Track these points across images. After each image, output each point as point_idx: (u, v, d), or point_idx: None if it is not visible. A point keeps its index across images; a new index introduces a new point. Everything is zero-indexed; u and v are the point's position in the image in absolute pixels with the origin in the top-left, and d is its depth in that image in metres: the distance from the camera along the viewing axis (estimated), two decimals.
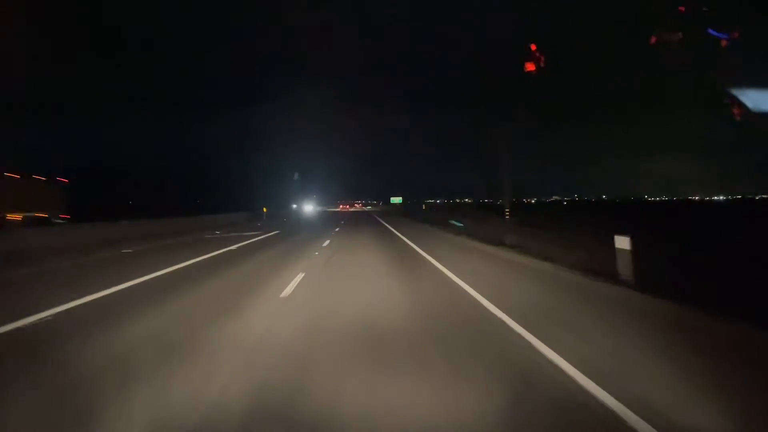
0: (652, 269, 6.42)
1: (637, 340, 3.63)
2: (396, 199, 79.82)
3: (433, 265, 8.23)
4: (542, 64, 8.33)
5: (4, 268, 7.93)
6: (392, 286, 6.18)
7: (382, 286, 6.18)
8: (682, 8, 5.38)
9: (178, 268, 7.85)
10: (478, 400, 2.55)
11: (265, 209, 31.49)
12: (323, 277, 6.95)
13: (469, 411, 2.43)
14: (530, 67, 8.34)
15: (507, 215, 19.63)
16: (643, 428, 2.23)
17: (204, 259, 9.12)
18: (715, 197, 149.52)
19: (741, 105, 4.94)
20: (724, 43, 4.95)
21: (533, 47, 8.39)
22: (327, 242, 12.93)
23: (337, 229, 19.35)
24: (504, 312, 4.61)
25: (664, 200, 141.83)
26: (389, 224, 23.60)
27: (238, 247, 11.54)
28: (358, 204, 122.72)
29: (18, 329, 4.17)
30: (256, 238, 14.49)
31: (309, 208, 59.72)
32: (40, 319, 4.51)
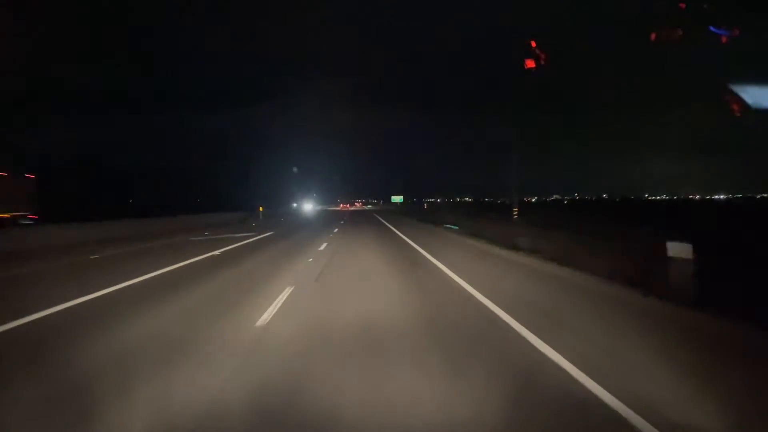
0: (713, 283, 5.16)
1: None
2: (397, 198, 78.38)
3: (448, 276, 6.94)
4: (542, 62, 8.23)
5: None
6: (401, 307, 4.88)
7: (388, 307, 4.88)
8: (682, 5, 5.25)
9: (141, 281, 6.55)
10: None
11: (261, 208, 30.18)
12: (315, 294, 5.65)
13: None
14: (530, 64, 8.27)
15: (515, 215, 18.42)
16: None
17: (177, 268, 7.80)
18: (716, 196, 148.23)
19: (741, 101, 4.81)
20: (724, 39, 4.85)
21: (533, 44, 8.27)
22: (324, 245, 11.63)
23: (335, 230, 18.02)
24: (565, 358, 3.24)
25: (665, 199, 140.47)
26: (391, 224, 22.27)
27: (222, 252, 10.23)
28: (359, 203, 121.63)
29: None
30: (247, 241, 13.18)
31: (308, 207, 58.61)
32: None
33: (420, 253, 9.89)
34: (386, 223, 23.85)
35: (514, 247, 10.91)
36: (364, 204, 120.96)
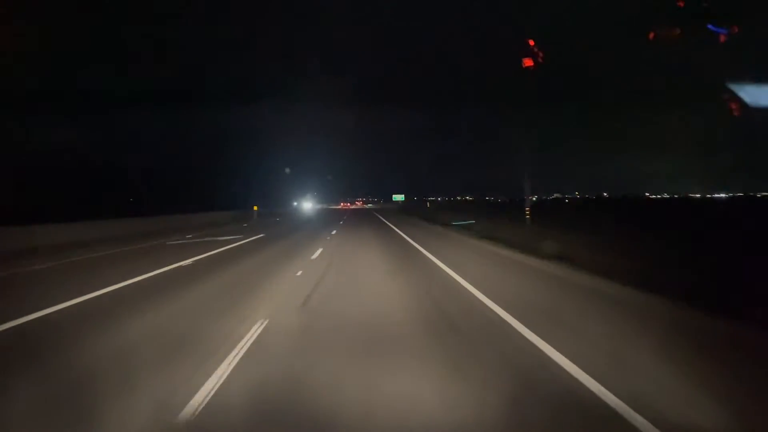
0: None
1: None
2: (398, 197, 76.58)
3: (476, 299, 5.14)
4: (540, 60, 8.21)
5: None
6: (419, 346, 3.10)
7: (399, 343, 3.11)
8: (681, 3, 5.15)
9: (52, 313, 4.78)
10: None
11: (255, 208, 28.39)
12: (296, 335, 3.85)
13: None
14: (528, 62, 8.24)
15: (527, 215, 16.64)
16: None
17: (122, 288, 5.99)
18: (716, 195, 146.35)
19: (739, 100, 4.74)
20: (722, 38, 4.81)
21: (531, 43, 8.24)
22: (318, 252, 9.84)
23: (334, 232, 16.18)
24: None
25: (666, 198, 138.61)
26: (395, 225, 20.44)
27: (194, 262, 8.41)
28: (359, 202, 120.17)
29: None
30: (229, 246, 11.37)
31: (308, 206, 56.90)
32: None
33: (434, 263, 8.10)
34: (389, 224, 22.03)
35: (539, 253, 9.18)
36: (364, 203, 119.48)
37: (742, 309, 4.09)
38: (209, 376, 2.87)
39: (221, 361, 3.14)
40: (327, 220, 29.08)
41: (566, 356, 3.13)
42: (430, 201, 44.87)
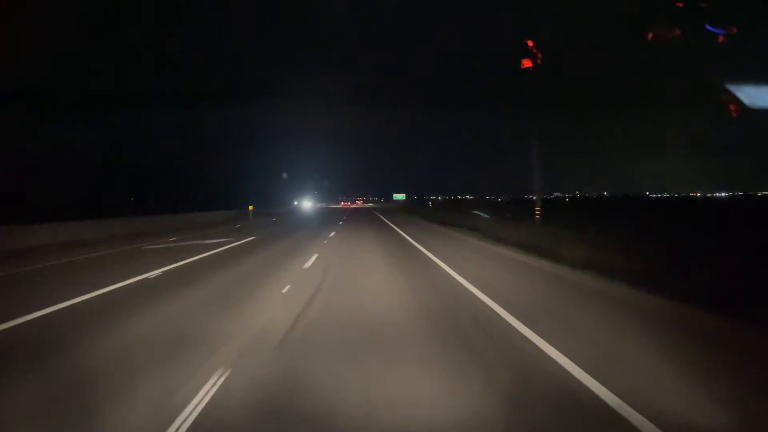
0: None
1: None
2: (399, 196, 75.28)
3: (507, 325, 3.89)
4: (539, 61, 7.99)
5: None
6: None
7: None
8: (680, 3, 5.14)
9: None
10: None
11: (251, 207, 27.14)
12: (271, 400, 2.60)
13: None
14: (527, 63, 8.03)
15: (537, 215, 15.41)
16: None
17: (64, 310, 4.78)
18: (717, 194, 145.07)
19: (738, 101, 4.74)
20: (721, 38, 4.82)
21: (530, 44, 8.03)
22: (312, 258, 8.61)
23: (332, 234, 14.89)
24: None
25: (666, 197, 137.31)
26: (397, 226, 19.17)
27: (163, 273, 7.13)
28: (360, 201, 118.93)
29: None
30: (214, 251, 10.11)
31: (308, 205, 55.68)
32: None
33: (451, 275, 6.86)
34: (392, 225, 20.77)
35: (560, 259, 7.95)
36: (364, 202, 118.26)
37: None
38: None
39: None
40: (326, 220, 27.80)
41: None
42: (432, 200, 43.46)
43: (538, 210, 15.10)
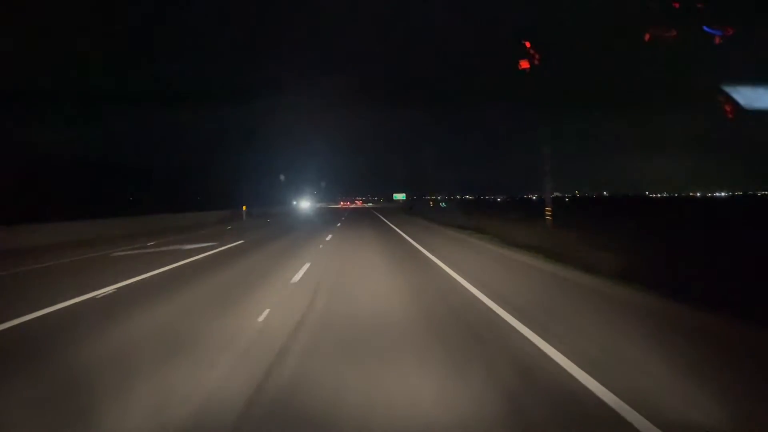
0: None
1: None
2: (399, 196, 73.78)
3: (574, 380, 2.48)
4: (536, 62, 8.05)
5: None
6: None
7: None
8: (677, 4, 5.16)
9: None
10: None
11: (245, 208, 25.74)
12: None
13: None
14: (524, 64, 8.08)
15: (548, 216, 14.07)
16: None
17: None
18: (716, 194, 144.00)
19: (733, 102, 4.71)
20: (717, 39, 4.82)
21: (527, 44, 8.10)
22: (304, 269, 7.22)
23: (329, 237, 13.44)
24: None
25: (666, 197, 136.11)
26: (400, 229, 17.75)
27: (116, 290, 5.71)
28: (359, 201, 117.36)
29: None
30: (190, 259, 8.67)
31: (306, 205, 54.23)
32: None
33: (470, 292, 5.48)
34: (394, 227, 19.34)
35: (593, 270, 6.67)
36: (364, 202, 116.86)
37: None
38: None
39: None
40: (324, 220, 26.32)
41: None
42: (433, 200, 42.01)
43: (549, 211, 13.76)
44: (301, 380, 2.79)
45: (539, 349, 3.29)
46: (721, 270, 5.82)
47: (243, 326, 4.03)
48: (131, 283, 6.15)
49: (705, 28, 4.86)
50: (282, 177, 47.61)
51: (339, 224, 21.37)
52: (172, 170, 44.18)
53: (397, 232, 15.52)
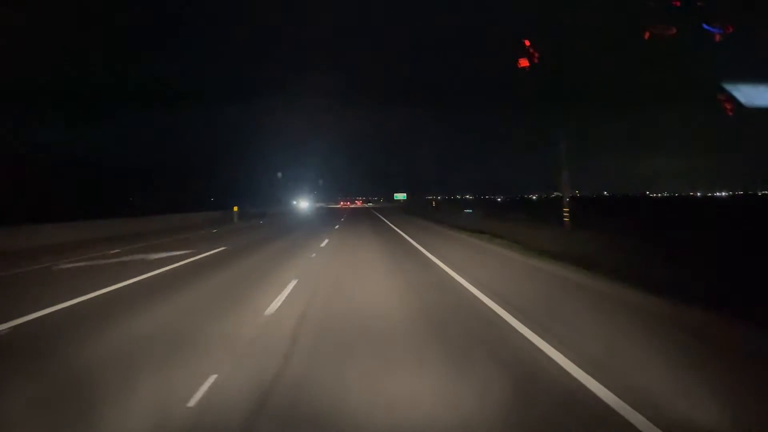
0: None
1: None
2: (400, 196, 71.81)
3: None
4: (536, 60, 7.96)
5: None
6: None
7: None
8: (677, 2, 5.00)
9: None
10: None
11: (236, 209, 24.00)
12: None
13: None
14: (524, 63, 7.96)
15: (565, 217, 12.41)
16: None
17: None
18: (717, 194, 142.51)
19: (734, 100, 4.62)
20: (717, 37, 4.71)
21: (527, 43, 8.01)
22: (288, 289, 5.54)
23: (324, 243, 11.65)
24: None
25: (666, 197, 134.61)
26: (405, 232, 16.00)
27: (11, 331, 4.01)
28: (359, 201, 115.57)
29: None
30: (151, 273, 6.91)
31: (304, 205, 52.42)
32: None
33: (495, 313, 3.79)
34: (395, 228, 17.64)
35: (634, 283, 5.02)
36: (364, 202, 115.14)
37: None
38: None
39: None
40: (321, 222, 24.53)
41: None
42: (436, 200, 40.13)
43: (566, 212, 12.10)
44: None
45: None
46: None
47: (176, 398, 2.29)
48: (47, 315, 4.40)
49: (705, 25, 4.78)
50: (279, 174, 45.88)
51: (337, 226, 19.58)
52: (172, 170, 42.87)
53: (401, 236, 13.79)
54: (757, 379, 2.79)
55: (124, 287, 5.85)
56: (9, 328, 4.01)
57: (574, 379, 2.74)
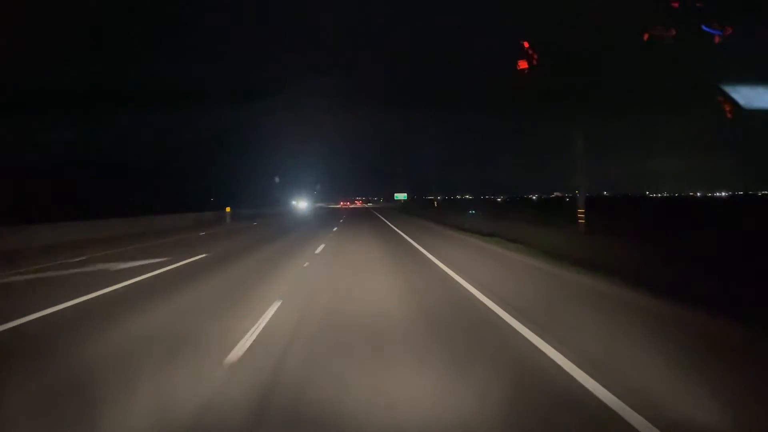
0: None
1: None
2: (401, 196, 70.61)
3: None
4: (535, 62, 7.89)
5: None
6: None
7: None
8: (676, 4, 5.04)
9: None
10: None
11: (228, 209, 22.88)
12: None
13: None
14: (523, 64, 7.90)
15: (580, 219, 11.45)
16: None
17: None
18: (716, 194, 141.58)
19: (733, 102, 4.59)
20: (717, 39, 4.69)
21: (526, 45, 7.95)
22: (271, 313, 4.38)
23: (320, 248, 10.46)
24: None
25: (665, 197, 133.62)
26: (409, 236, 14.83)
27: None
28: (359, 201, 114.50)
29: None
30: (107, 290, 5.63)
31: (303, 205, 51.30)
32: None
33: (529, 343, 3.17)
34: (398, 231, 16.51)
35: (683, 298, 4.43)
36: (364, 202, 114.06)
37: None
38: None
39: None
40: (319, 223, 23.35)
41: None
42: (437, 200, 38.86)
43: (581, 213, 10.97)
44: None
45: None
46: None
47: None
48: None
49: (704, 27, 4.73)
50: (276, 179, 44.79)
51: (336, 228, 18.39)
52: (172, 170, 41.97)
53: (405, 240, 12.73)
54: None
55: (48, 315, 4.54)
56: None
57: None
